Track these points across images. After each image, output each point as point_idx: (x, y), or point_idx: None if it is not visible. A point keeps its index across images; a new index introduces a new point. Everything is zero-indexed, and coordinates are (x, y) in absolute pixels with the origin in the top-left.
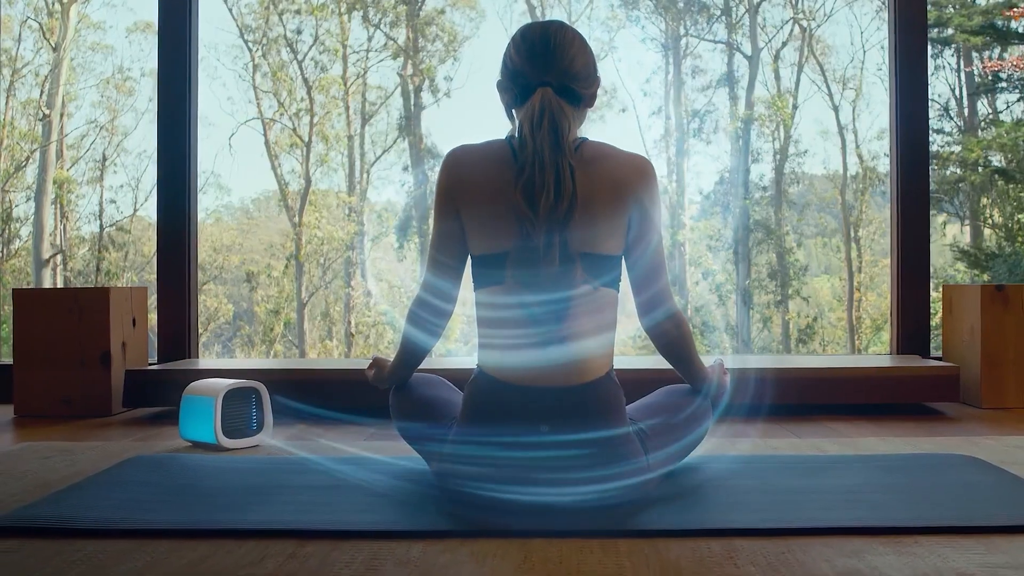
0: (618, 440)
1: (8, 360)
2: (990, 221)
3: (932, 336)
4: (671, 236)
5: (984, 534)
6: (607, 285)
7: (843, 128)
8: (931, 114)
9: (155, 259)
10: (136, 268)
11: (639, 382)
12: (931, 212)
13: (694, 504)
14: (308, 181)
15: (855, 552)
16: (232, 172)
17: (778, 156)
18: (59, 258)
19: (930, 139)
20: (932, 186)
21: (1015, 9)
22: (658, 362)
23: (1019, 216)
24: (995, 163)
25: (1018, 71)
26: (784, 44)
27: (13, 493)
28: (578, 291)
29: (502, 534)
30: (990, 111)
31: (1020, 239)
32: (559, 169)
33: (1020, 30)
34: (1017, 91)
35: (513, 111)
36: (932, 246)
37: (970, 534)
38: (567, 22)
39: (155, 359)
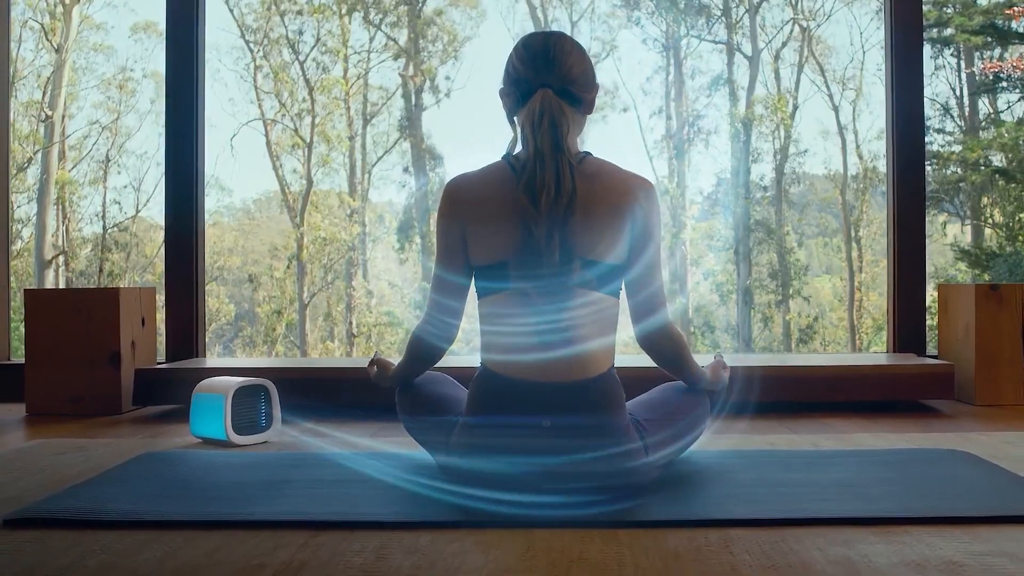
0: (616, 428)
1: (20, 360)
2: (991, 221)
3: (929, 335)
4: (672, 237)
5: (971, 524)
6: (608, 292)
7: (843, 128)
8: (932, 114)
9: (158, 260)
10: (138, 269)
11: (640, 380)
12: (932, 212)
13: (692, 496)
14: (310, 182)
15: (847, 542)
16: (233, 173)
17: (778, 156)
18: (61, 259)
19: (931, 139)
20: (933, 186)
21: (1015, 8)
22: (661, 362)
23: (1020, 215)
24: (996, 163)
25: (1018, 71)
26: (784, 44)
27: (30, 487)
28: (580, 296)
29: (507, 524)
30: (991, 111)
31: (1021, 239)
32: (559, 166)
33: (1020, 30)
34: (1017, 91)
35: (515, 117)
36: (933, 246)
37: (958, 524)
38: (569, 22)
39: (163, 358)
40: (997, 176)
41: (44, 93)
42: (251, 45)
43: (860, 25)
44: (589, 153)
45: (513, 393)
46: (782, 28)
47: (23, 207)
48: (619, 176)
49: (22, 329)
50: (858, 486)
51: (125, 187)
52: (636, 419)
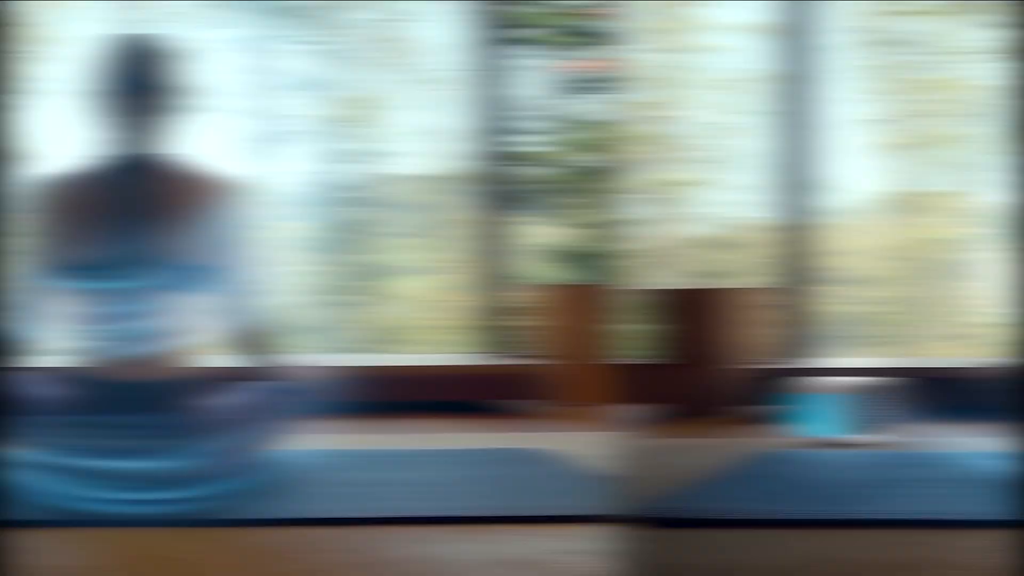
0: (201, 427)
1: None
2: (577, 221)
3: (516, 336)
4: (259, 237)
5: (550, 523)
6: (193, 292)
7: (431, 128)
8: (518, 114)
9: None
10: None
11: (226, 379)
12: (519, 212)
13: (278, 495)
14: None
15: (429, 540)
16: None
17: (367, 157)
18: None
19: (517, 139)
20: (519, 186)
21: (598, 11)
22: (248, 361)
23: (606, 216)
24: (582, 163)
25: (603, 72)
26: (372, 44)
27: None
28: (164, 297)
29: (94, 523)
30: (576, 111)
31: (608, 239)
32: (145, 167)
33: (604, 32)
34: (603, 92)
35: (102, 118)
36: (521, 246)
37: (537, 523)
38: (154, 22)
39: None
40: (583, 176)
41: None
42: None
43: (448, 25)
44: (176, 154)
45: (102, 392)
46: (369, 27)
47: None
48: (204, 177)
49: None
50: (442, 485)
51: None
52: (220, 418)
